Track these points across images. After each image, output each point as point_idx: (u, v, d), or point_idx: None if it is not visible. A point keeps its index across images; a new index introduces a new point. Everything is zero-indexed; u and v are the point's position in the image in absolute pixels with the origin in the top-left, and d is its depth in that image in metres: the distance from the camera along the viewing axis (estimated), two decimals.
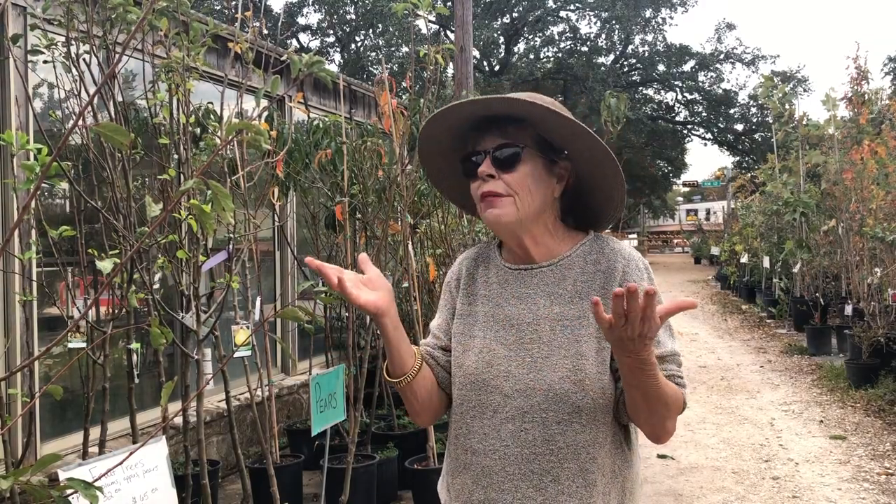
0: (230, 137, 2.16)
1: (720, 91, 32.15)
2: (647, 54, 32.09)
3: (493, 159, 1.65)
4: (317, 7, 30.57)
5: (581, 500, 1.58)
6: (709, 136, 34.22)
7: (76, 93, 3.43)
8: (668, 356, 1.61)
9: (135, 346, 3.51)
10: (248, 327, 4.01)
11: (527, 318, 1.65)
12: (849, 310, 9.33)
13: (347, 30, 30.91)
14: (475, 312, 1.73)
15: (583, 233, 1.76)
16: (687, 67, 32.14)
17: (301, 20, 30.79)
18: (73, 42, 3.37)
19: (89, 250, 3.38)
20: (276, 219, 5.57)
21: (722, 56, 31.93)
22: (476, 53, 28.84)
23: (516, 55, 32.32)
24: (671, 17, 40.07)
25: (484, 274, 1.77)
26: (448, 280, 1.84)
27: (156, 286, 3.54)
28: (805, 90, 30.36)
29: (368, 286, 1.61)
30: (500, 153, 1.65)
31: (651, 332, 1.38)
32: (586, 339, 1.61)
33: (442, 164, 1.81)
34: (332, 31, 31.11)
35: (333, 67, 27.57)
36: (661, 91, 34.01)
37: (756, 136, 31.68)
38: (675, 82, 32.47)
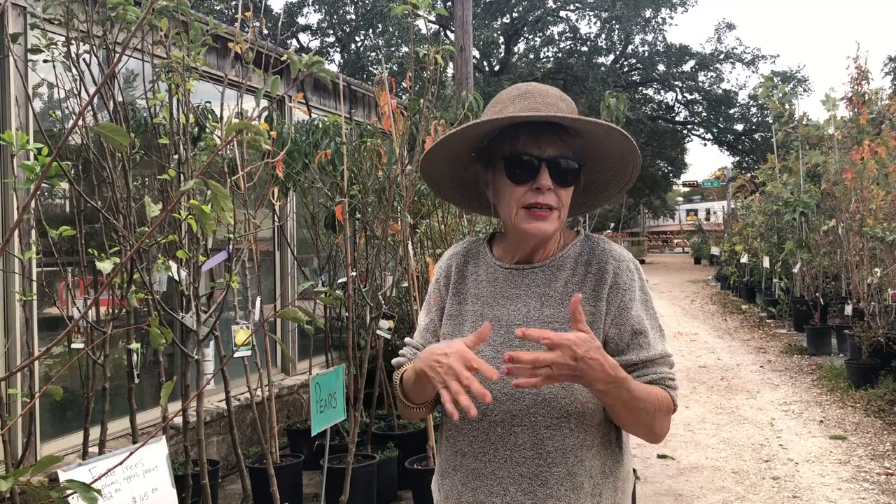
0: (230, 138, 2.16)
1: (720, 91, 32.17)
2: (647, 54, 32.10)
3: (550, 170, 1.59)
4: (317, 7, 30.58)
5: (569, 502, 1.57)
6: (709, 136, 34.24)
7: (76, 92, 3.43)
8: (658, 359, 1.60)
9: (135, 346, 3.51)
10: (248, 327, 4.01)
11: (516, 320, 1.63)
12: (849, 310, 9.33)
13: (347, 30, 30.91)
14: (464, 312, 1.71)
15: (573, 232, 1.75)
16: (687, 67, 32.15)
17: (301, 20, 30.81)
18: (72, 42, 3.37)
19: (89, 250, 3.38)
20: (276, 219, 5.57)
21: (722, 56, 31.95)
22: (476, 53, 28.85)
23: (516, 55, 32.33)
24: (671, 17, 40.16)
25: (474, 271, 1.74)
26: (437, 276, 1.80)
27: (157, 287, 3.54)
28: (805, 90, 30.40)
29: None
30: (561, 167, 1.60)
31: (560, 368, 1.39)
32: None
33: (451, 165, 1.75)
34: (332, 31, 31.11)
35: (333, 67, 27.58)
36: (661, 91, 34.03)
37: (756, 136, 31.69)
38: (675, 82, 32.48)
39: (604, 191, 1.76)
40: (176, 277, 3.50)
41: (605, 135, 1.60)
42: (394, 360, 1.80)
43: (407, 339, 1.82)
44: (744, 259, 15.77)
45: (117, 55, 2.16)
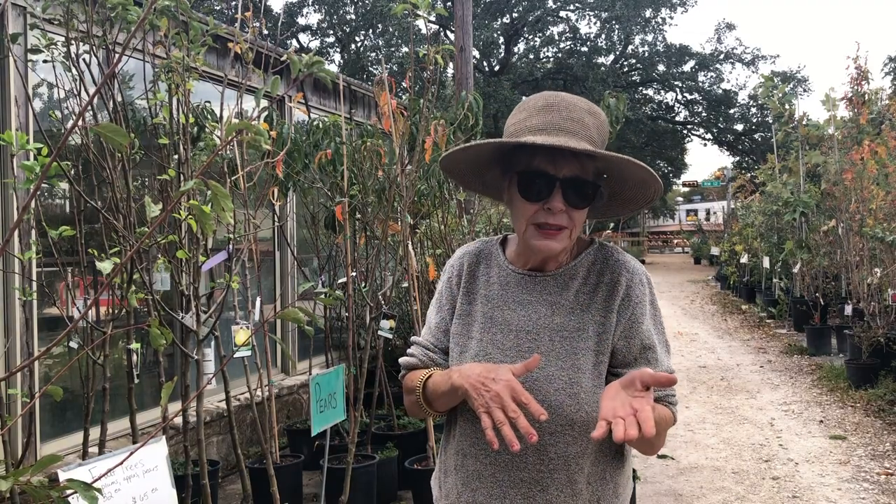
0: (230, 138, 2.16)
1: (720, 91, 32.16)
2: (646, 54, 32.09)
3: (564, 191, 1.55)
4: (317, 7, 30.57)
5: None
6: (709, 136, 34.23)
7: (76, 92, 3.43)
8: None
9: (135, 346, 3.51)
10: (248, 327, 4.01)
11: (526, 326, 1.63)
12: (849, 310, 9.33)
13: (347, 30, 30.90)
14: (473, 312, 1.70)
15: (587, 240, 1.74)
16: (687, 67, 32.14)
17: (301, 20, 30.80)
18: (72, 42, 3.37)
19: (89, 250, 3.38)
20: (276, 219, 5.58)
21: (722, 56, 31.94)
22: (476, 53, 28.84)
23: (516, 55, 32.31)
24: (671, 17, 40.09)
25: (485, 272, 1.73)
26: (449, 275, 1.78)
27: (159, 286, 3.54)
28: (805, 90, 30.40)
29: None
30: (576, 189, 1.56)
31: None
32: (584, 352, 1.60)
33: (471, 166, 1.73)
34: (332, 32, 31.11)
35: (333, 67, 27.58)
36: (661, 91, 34.01)
37: (756, 136, 31.70)
38: (675, 82, 32.47)
39: (627, 204, 1.73)
40: (166, 286, 3.50)
41: (623, 162, 1.57)
42: (401, 360, 1.79)
43: (415, 338, 1.80)
44: (744, 259, 15.77)
45: (117, 55, 2.16)
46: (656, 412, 1.54)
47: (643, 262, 30.70)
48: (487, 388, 1.46)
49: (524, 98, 1.70)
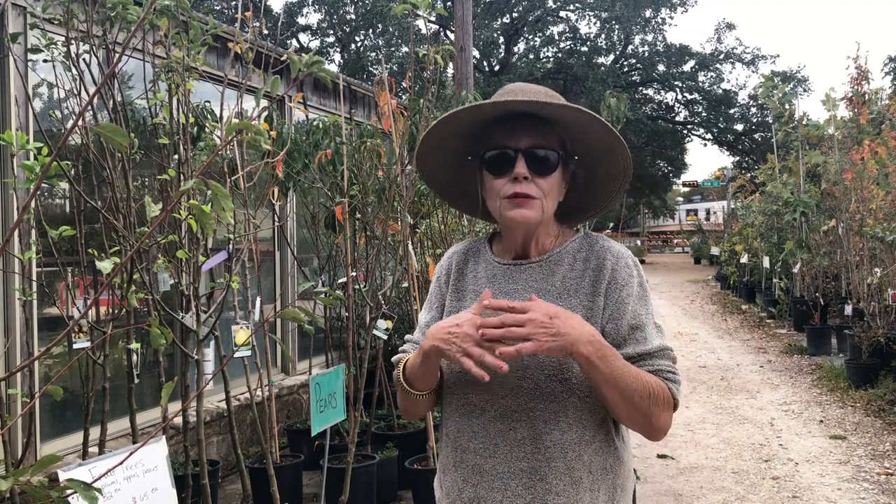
0: (230, 138, 2.16)
1: (720, 91, 32.14)
2: (646, 54, 32.08)
3: (527, 160, 1.62)
4: (317, 7, 30.57)
5: (568, 497, 1.58)
6: (709, 136, 34.22)
7: (76, 92, 3.43)
8: (656, 352, 1.61)
9: (135, 346, 3.52)
10: (248, 327, 4.01)
11: None
12: (849, 310, 9.33)
13: (347, 30, 30.90)
14: (463, 308, 1.72)
15: (572, 229, 1.77)
16: (687, 67, 32.13)
17: (301, 20, 30.79)
18: (72, 41, 3.38)
19: (89, 250, 3.38)
20: (276, 219, 5.58)
21: (722, 56, 31.92)
22: (476, 53, 28.85)
23: (516, 55, 32.31)
24: (671, 17, 40.17)
25: (473, 269, 1.76)
26: (438, 275, 1.83)
27: (162, 287, 3.54)
28: (805, 90, 30.38)
29: None
30: (537, 156, 1.63)
31: (537, 327, 1.47)
32: None
33: (440, 161, 1.78)
34: (332, 31, 31.11)
35: (333, 67, 27.58)
36: (661, 91, 34.00)
37: (756, 136, 31.68)
38: (675, 82, 32.46)
39: (606, 187, 1.75)
40: (167, 287, 3.50)
41: (578, 121, 1.62)
42: (394, 358, 1.81)
43: (408, 336, 1.83)
44: (744, 259, 15.77)
45: (117, 55, 2.17)
46: (643, 380, 1.54)
47: (643, 261, 30.83)
48: (455, 335, 1.53)
49: None
